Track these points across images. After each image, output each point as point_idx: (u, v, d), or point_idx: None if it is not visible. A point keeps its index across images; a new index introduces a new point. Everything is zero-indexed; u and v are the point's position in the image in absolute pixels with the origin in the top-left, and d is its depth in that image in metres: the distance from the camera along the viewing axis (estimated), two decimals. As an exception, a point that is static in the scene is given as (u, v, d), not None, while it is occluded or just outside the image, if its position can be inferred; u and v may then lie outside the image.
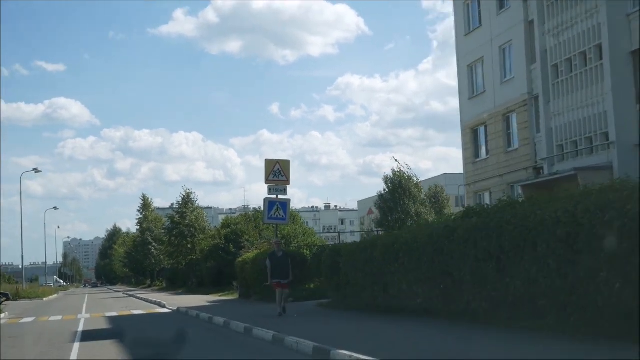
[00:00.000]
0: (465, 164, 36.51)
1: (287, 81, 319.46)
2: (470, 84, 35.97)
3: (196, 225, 59.12)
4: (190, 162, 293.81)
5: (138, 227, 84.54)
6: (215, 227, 56.53)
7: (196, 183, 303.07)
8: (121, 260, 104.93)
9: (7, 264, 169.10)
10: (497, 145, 33.55)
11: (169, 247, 61.99)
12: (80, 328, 21.76)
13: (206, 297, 39.46)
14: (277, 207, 29.62)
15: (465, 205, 36.64)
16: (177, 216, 59.75)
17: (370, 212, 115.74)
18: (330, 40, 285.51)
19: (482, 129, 35.24)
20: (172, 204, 62.71)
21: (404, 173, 52.04)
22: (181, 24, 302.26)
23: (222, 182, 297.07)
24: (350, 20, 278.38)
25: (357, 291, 19.84)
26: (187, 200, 60.53)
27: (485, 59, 34.39)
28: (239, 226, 46.72)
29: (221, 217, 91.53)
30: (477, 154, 35.76)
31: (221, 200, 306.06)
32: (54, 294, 75.50)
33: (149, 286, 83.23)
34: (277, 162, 30.07)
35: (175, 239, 59.45)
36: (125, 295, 56.14)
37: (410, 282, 16.09)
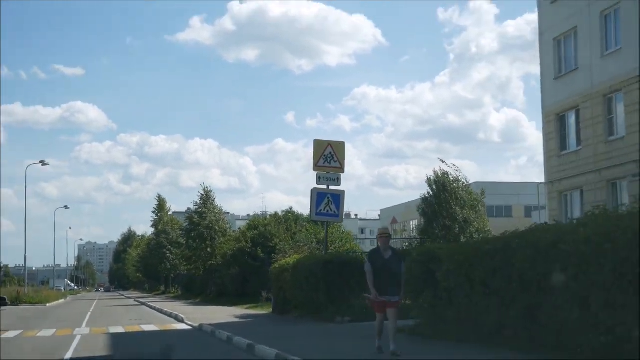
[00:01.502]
0: (548, 158, 29.87)
1: (303, 90, 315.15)
2: (557, 61, 29.40)
3: (216, 227, 52.60)
4: (205, 169, 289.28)
5: (153, 230, 78.03)
6: (239, 228, 49.96)
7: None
8: (134, 265, 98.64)
9: (19, 265, 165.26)
10: (594, 134, 26.94)
11: (186, 251, 55.46)
12: (68, 355, 15.31)
13: (230, 309, 32.94)
14: (327, 200, 23.27)
15: (547, 207, 30.09)
16: (196, 216, 53.21)
17: (394, 221, 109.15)
18: (347, 50, 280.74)
19: (571, 115, 28.66)
20: (188, 208, 55.87)
21: (448, 174, 44.86)
22: (198, 31, 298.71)
23: (238, 190, 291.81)
24: (368, 31, 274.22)
25: (468, 313, 13.27)
26: (206, 200, 54.03)
27: (580, 28, 27.82)
28: (268, 228, 40.16)
29: (239, 224, 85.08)
30: (564, 145, 29.16)
31: (236, 207, 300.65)
32: (61, 298, 69.42)
33: (163, 293, 76.80)
34: (329, 144, 23.68)
35: (194, 241, 52.91)
36: (137, 303, 49.75)
37: (598, 306, 9.48)
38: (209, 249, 51.57)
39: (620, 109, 25.74)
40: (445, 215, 43.31)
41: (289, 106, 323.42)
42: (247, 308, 32.89)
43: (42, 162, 63.39)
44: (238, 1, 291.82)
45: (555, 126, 29.36)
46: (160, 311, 34.20)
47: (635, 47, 24.68)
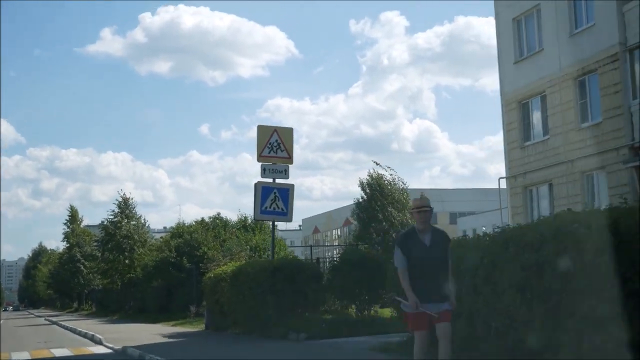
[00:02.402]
0: (509, 150, 26.82)
1: (217, 102, 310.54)
2: (517, 43, 26.43)
3: (135, 237, 47.98)
4: (118, 183, 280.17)
5: (65, 243, 72.28)
6: (161, 237, 45.44)
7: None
8: (45, 281, 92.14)
9: None
10: (564, 121, 24.00)
11: (102, 264, 50.62)
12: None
13: (155, 327, 28.67)
14: (274, 195, 19.56)
15: (509, 204, 27.06)
16: (111, 226, 48.43)
17: (316, 230, 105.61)
18: (260, 62, 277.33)
19: (536, 101, 25.70)
20: (104, 219, 50.71)
21: (383, 177, 41.46)
22: (108, 43, 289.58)
23: (151, 204, 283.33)
24: (281, 42, 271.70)
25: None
26: (124, 208, 49.33)
27: (544, 5, 24.92)
28: (194, 235, 35.95)
29: (157, 237, 79.80)
30: (527, 135, 26.15)
31: (151, 220, 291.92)
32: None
33: (76, 310, 71.19)
34: (275, 130, 19.99)
35: (110, 253, 48.16)
36: (48, 322, 44.65)
37: None
38: (127, 261, 46.99)
39: (595, 92, 22.84)
40: (382, 219, 40.06)
41: (204, 118, 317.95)
42: (174, 325, 28.67)
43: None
44: (149, 13, 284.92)
45: (518, 115, 26.35)
46: (74, 331, 29.64)
47: (612, 21, 21.88)
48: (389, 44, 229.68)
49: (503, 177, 27.48)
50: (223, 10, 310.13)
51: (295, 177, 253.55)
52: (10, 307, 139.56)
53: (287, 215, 19.77)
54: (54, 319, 47.77)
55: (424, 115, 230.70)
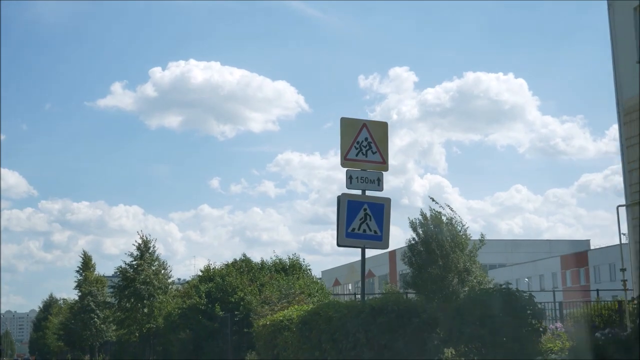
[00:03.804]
0: (630, 171, 21.15)
1: (227, 156, 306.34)
2: None
3: (155, 282, 42.16)
4: (129, 236, 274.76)
5: (77, 291, 66.12)
6: (187, 282, 39.29)
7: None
8: (55, 333, 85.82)
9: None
10: None
11: (118, 313, 44.66)
12: None
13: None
14: (364, 212, 13.87)
15: (630, 237, 21.39)
16: (130, 271, 42.67)
17: (337, 282, 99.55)
18: (270, 116, 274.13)
19: (664, 109, 20.13)
20: (119, 267, 44.62)
21: (441, 214, 35.53)
22: (119, 97, 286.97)
23: (163, 257, 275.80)
24: (290, 97, 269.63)
25: None
26: (143, 251, 43.60)
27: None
28: (228, 279, 30.18)
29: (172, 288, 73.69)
30: (654, 150, 20.51)
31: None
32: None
33: (88, 364, 64.86)
34: (364, 124, 14.44)
35: (128, 301, 42.30)
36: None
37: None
38: (145, 310, 41.11)
39: None
40: (442, 265, 34.08)
41: (214, 172, 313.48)
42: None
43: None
44: (160, 67, 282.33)
45: None
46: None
47: None
48: (399, 99, 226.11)
49: (622, 205, 21.82)
50: (233, 64, 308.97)
51: (306, 232, 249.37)
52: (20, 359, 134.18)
53: (381, 239, 14.22)
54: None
55: (435, 170, 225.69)
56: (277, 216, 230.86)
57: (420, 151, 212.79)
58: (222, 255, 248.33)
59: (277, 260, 32.85)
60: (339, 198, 14.13)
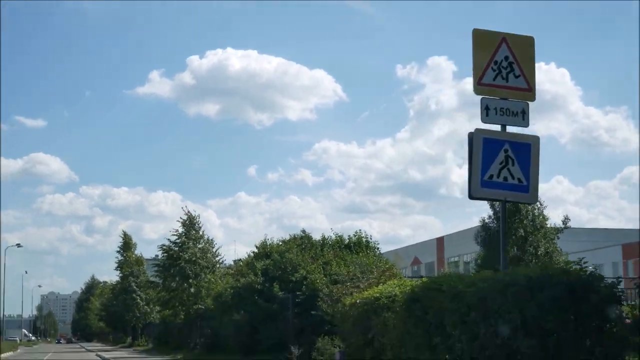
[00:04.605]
0: None
1: (264, 144, 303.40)
2: None
3: (202, 261, 38.96)
4: (168, 221, 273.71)
5: (118, 273, 63.38)
6: (240, 260, 35.48)
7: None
8: (97, 314, 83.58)
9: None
10: None
11: (163, 293, 41.53)
12: None
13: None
14: (504, 154, 10.04)
15: None
16: (175, 248, 39.50)
17: (416, 261, 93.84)
18: (308, 105, 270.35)
19: None
20: (159, 249, 41.25)
21: None
22: (157, 85, 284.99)
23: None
24: (328, 85, 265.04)
25: None
26: (188, 227, 40.39)
27: None
28: (288, 255, 26.64)
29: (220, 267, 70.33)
30: None
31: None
32: (9, 351, 54.49)
33: (130, 345, 62.10)
34: (503, 38, 10.52)
35: (173, 280, 39.15)
36: (99, 359, 35.85)
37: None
38: (192, 289, 37.90)
39: None
40: (519, 246, 30.02)
41: (251, 160, 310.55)
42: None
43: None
44: (197, 56, 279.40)
45: None
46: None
47: None
48: (437, 89, 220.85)
49: None
50: (271, 53, 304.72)
51: (343, 221, 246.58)
52: (63, 340, 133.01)
53: (527, 190, 10.49)
54: (106, 355, 38.93)
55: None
56: (315, 204, 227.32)
57: (458, 141, 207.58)
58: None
59: (338, 238, 29.26)
60: (470, 135, 10.46)
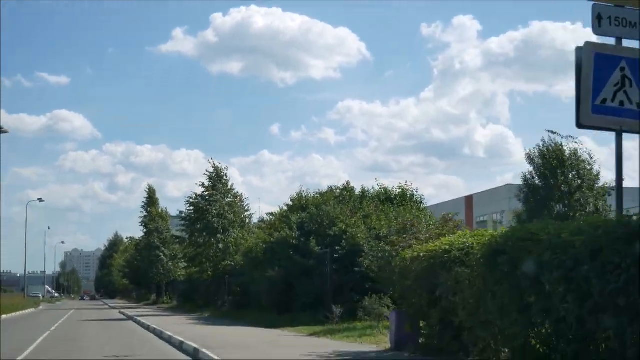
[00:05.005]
0: None
1: (287, 103, 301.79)
2: None
3: (230, 216, 37.39)
4: (191, 179, 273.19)
5: (142, 229, 62.00)
6: (272, 214, 33.95)
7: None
8: (120, 270, 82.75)
9: (5, 271, 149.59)
10: None
11: (189, 248, 40.07)
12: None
13: (280, 332, 18.08)
14: (621, 76, 7.96)
15: None
16: (202, 202, 37.93)
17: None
18: (332, 64, 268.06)
19: None
20: (186, 201, 39.48)
21: (562, 145, 28.71)
22: (180, 42, 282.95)
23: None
24: (352, 44, 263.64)
25: None
26: (216, 180, 38.77)
27: None
28: (325, 208, 24.92)
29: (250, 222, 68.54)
30: None
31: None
32: (31, 307, 53.60)
33: (154, 303, 61.11)
34: None
35: (200, 235, 37.66)
36: (123, 317, 34.59)
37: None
38: (220, 245, 36.39)
39: None
40: (565, 201, 27.88)
41: (274, 118, 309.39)
42: (316, 334, 17.78)
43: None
44: (221, 13, 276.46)
45: None
46: (162, 336, 19.12)
47: None
48: (461, 48, 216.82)
49: None
50: (295, 11, 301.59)
51: (366, 179, 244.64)
52: (87, 297, 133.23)
53: (651, 119, 8.59)
54: (130, 312, 37.76)
55: (498, 121, 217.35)
56: (337, 163, 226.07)
57: (482, 101, 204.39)
58: (283, 201, 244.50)
59: (382, 190, 27.46)
60: (578, 51, 8.61)
